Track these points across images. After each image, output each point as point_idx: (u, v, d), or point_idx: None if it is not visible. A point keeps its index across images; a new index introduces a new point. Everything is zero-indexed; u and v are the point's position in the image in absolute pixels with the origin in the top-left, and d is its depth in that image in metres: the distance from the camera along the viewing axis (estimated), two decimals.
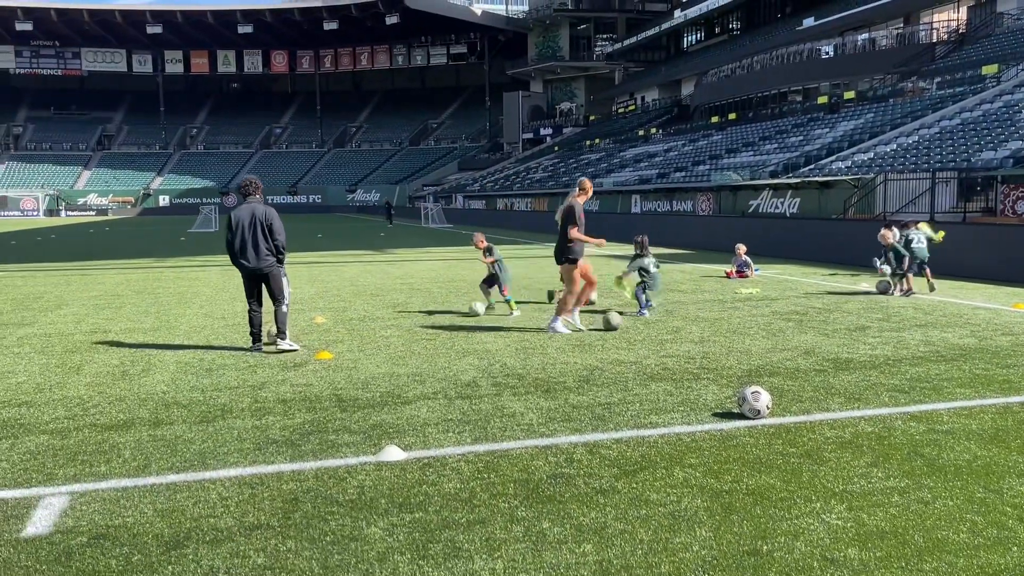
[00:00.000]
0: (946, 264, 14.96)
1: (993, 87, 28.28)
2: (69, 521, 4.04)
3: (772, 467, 4.68)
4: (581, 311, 10.03)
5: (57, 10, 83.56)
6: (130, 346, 8.83)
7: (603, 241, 9.69)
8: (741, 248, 15.36)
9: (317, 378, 7.13)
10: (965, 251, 15.04)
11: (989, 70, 30.12)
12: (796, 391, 6.45)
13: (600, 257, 17.84)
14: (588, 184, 9.48)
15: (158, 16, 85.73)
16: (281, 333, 8.36)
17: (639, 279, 10.87)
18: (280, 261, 8.43)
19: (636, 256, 11.02)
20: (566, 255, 9.24)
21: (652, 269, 10.92)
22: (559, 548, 3.65)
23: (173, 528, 3.93)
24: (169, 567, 3.53)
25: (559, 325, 9.32)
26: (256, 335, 8.44)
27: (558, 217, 9.41)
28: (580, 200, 9.30)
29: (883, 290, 12.37)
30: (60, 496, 4.38)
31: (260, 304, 8.49)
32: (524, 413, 5.90)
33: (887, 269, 12.47)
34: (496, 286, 11.22)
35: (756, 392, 5.70)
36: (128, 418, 5.89)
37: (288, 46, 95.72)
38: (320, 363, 7.78)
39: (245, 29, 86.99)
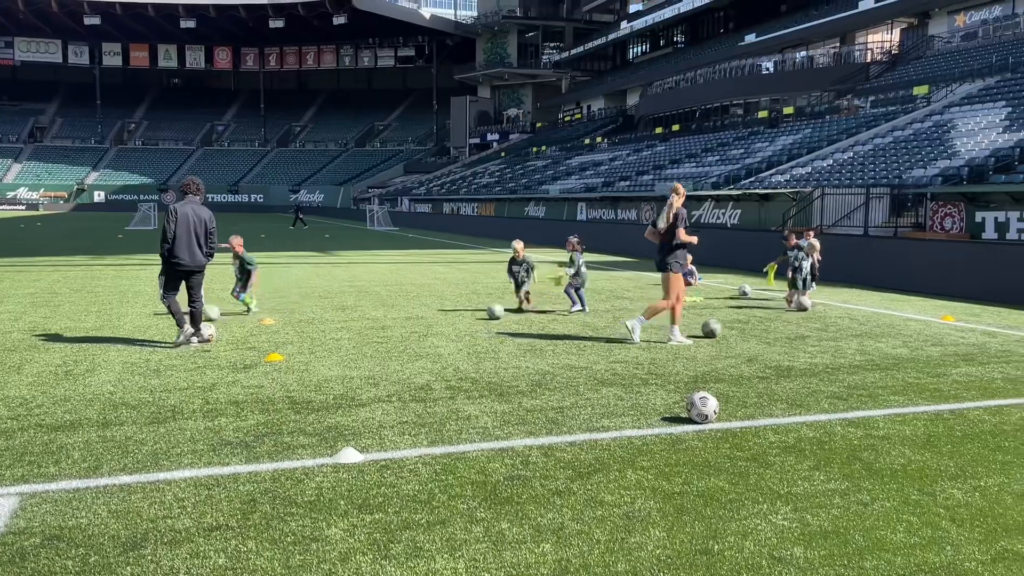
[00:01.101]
0: (879, 277, 15.54)
1: (924, 107, 29.44)
2: (21, 522, 3.97)
3: (720, 470, 4.85)
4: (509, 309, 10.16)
5: None
6: (72, 345, 8.63)
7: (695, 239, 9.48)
8: (687, 257, 15.68)
9: (269, 380, 7.09)
10: (897, 265, 15.65)
11: (920, 90, 31.34)
12: (741, 397, 6.67)
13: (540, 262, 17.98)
14: (682, 188, 9.33)
15: (96, 7, 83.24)
16: (197, 331, 8.68)
17: (570, 277, 11.74)
18: (208, 261, 8.81)
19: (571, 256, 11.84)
20: (670, 263, 9.19)
21: (583, 269, 11.87)
22: (519, 548, 3.74)
23: (129, 529, 3.90)
24: (128, 568, 3.51)
25: (677, 334, 9.19)
26: (181, 320, 8.61)
27: (662, 225, 9.17)
28: (680, 204, 9.17)
29: (802, 308, 11.94)
30: (9, 497, 4.30)
31: (176, 295, 8.73)
32: (479, 416, 5.98)
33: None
34: (239, 288, 11.28)
35: (704, 397, 5.89)
36: (75, 419, 5.78)
37: (232, 42, 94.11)
38: (271, 365, 7.73)
39: (188, 24, 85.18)
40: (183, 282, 8.67)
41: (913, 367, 7.94)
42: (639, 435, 5.55)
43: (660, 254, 9.32)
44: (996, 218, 17.90)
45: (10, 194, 79.87)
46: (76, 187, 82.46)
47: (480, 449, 5.21)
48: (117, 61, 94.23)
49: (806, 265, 12.25)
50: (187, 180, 8.83)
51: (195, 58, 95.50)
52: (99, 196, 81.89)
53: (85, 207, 78.86)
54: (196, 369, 7.50)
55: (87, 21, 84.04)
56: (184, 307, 8.66)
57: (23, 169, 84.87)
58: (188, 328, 8.59)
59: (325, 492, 4.42)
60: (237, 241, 11.22)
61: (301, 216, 46.10)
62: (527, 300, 11.95)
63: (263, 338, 9.24)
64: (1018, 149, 19.87)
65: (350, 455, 4.98)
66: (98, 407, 6.10)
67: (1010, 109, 24.10)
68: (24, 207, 77.83)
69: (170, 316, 8.87)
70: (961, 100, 27.81)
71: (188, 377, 7.15)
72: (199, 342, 8.72)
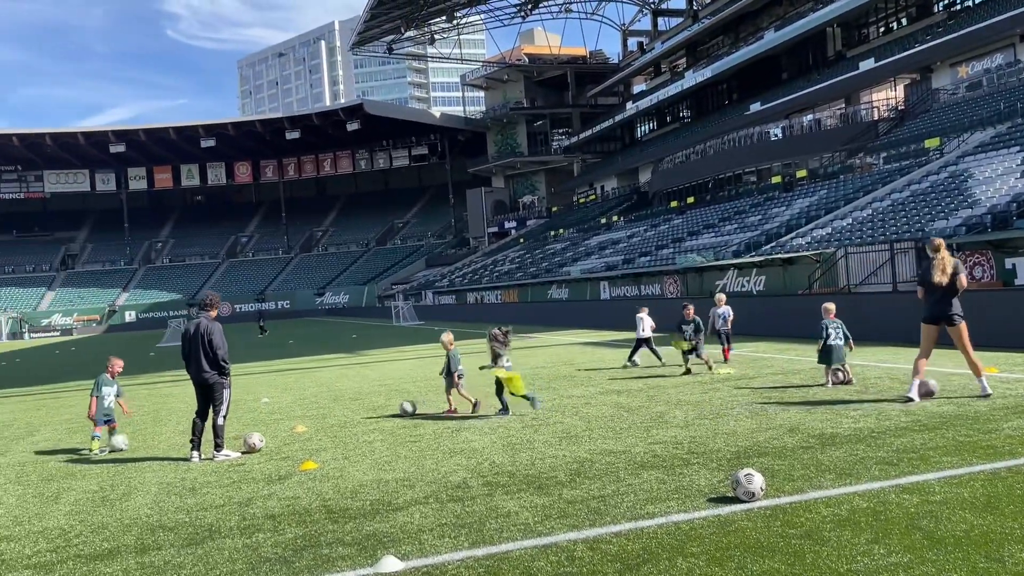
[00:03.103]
0: (912, 332, 15.23)
1: (937, 159, 29.50)
2: None
3: (774, 551, 4.66)
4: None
5: (19, 135, 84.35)
6: (108, 468, 8.61)
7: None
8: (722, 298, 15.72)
9: (304, 490, 7.00)
10: None
11: (932, 143, 31.48)
12: (787, 470, 6.46)
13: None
14: (940, 240, 9.20)
15: (121, 135, 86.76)
16: (216, 445, 8.70)
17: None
18: (224, 373, 8.79)
19: (497, 350, 10.76)
20: (955, 314, 9.06)
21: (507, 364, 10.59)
22: None
23: None
24: None
25: (986, 383, 9.09)
26: (194, 442, 8.76)
27: (942, 279, 9.01)
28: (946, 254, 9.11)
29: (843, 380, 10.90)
30: None
31: (205, 415, 8.86)
32: (519, 512, 5.83)
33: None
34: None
35: (749, 474, 5.71)
36: (113, 546, 5.72)
37: (251, 156, 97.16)
38: (305, 474, 7.65)
39: (208, 143, 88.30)
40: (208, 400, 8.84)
41: (962, 424, 7.69)
42: (686, 519, 5.38)
43: (941, 307, 9.10)
44: None
45: (44, 321, 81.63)
46: (108, 309, 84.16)
47: (523, 547, 5.06)
48: (142, 184, 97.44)
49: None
50: (204, 296, 9.25)
51: (216, 174, 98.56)
52: (130, 316, 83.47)
53: (117, 327, 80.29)
54: (231, 484, 7.44)
55: (112, 149, 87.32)
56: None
57: (56, 296, 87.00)
58: (194, 454, 8.69)
59: None
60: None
61: (262, 323, 46.99)
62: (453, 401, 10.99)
63: (296, 447, 9.18)
64: None
65: (391, 564, 4.86)
66: (136, 532, 6.04)
67: None
68: (59, 332, 79.44)
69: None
70: (975, 149, 27.86)
71: (224, 493, 7.09)
72: (242, 453, 8.83)
